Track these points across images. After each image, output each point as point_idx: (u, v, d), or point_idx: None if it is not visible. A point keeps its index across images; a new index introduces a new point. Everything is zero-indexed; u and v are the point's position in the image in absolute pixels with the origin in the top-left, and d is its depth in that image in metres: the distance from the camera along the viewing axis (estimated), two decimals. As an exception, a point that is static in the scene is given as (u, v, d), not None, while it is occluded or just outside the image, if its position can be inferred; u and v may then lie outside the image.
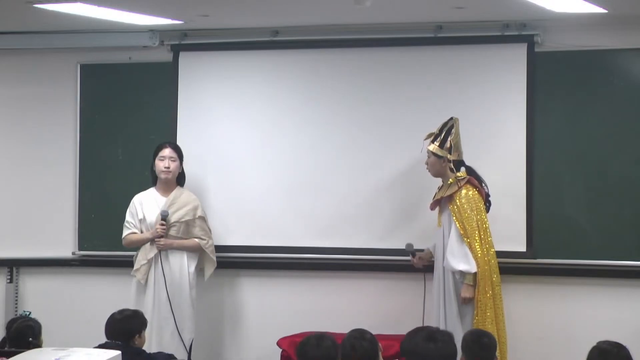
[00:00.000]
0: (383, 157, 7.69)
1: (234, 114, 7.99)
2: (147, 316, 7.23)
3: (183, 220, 7.49)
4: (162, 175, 7.50)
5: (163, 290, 7.38)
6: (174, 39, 8.11)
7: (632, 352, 5.16)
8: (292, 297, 7.94)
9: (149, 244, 7.45)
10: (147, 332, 7.22)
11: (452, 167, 6.96)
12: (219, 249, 7.90)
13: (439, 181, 7.16)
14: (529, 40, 7.44)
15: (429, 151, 7.01)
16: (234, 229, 7.96)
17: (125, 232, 7.51)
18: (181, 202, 7.52)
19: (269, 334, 7.65)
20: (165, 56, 8.15)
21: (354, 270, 7.81)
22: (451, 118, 7.02)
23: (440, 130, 7.00)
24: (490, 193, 7.06)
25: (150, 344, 7.13)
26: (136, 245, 7.50)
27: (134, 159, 8.16)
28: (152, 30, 8.09)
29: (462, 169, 7.03)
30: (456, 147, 6.98)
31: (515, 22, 7.43)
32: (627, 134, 7.31)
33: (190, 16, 7.45)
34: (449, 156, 6.95)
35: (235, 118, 7.99)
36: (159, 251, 7.40)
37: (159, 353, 6.27)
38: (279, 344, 7.40)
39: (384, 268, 7.74)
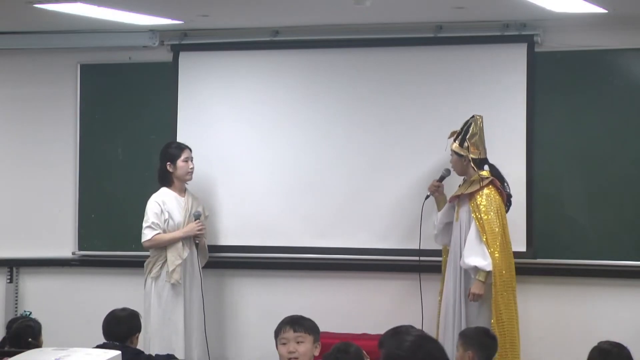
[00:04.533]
0: (383, 156, 7.69)
1: (234, 113, 7.99)
2: (180, 318, 7.32)
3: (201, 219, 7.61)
4: (188, 177, 7.52)
5: (190, 290, 7.45)
6: (174, 39, 8.11)
7: (633, 352, 5.17)
8: (292, 297, 7.93)
9: (180, 243, 7.43)
10: (174, 334, 7.32)
11: (473, 165, 6.96)
12: (219, 248, 7.92)
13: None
14: (529, 40, 7.44)
15: (451, 150, 7.04)
16: (234, 229, 7.96)
17: (152, 233, 7.40)
18: (197, 202, 7.60)
19: (269, 334, 7.62)
20: (165, 56, 8.15)
21: (354, 270, 7.81)
22: (472, 116, 7.02)
23: (462, 129, 7.01)
24: (512, 193, 7.07)
25: (175, 346, 7.27)
26: (164, 245, 7.42)
27: (134, 159, 8.16)
28: (152, 30, 8.09)
29: (486, 167, 7.02)
30: (476, 145, 6.98)
31: (515, 22, 7.43)
32: (627, 134, 7.31)
33: (190, 16, 7.45)
34: (469, 155, 6.95)
35: (235, 118, 7.99)
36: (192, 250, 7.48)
37: (158, 355, 6.27)
38: (279, 344, 7.40)
39: (384, 268, 7.74)
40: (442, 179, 7.27)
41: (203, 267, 7.71)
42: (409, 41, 7.69)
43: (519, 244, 7.35)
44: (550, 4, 6.68)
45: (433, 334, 6.98)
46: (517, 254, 7.35)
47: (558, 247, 7.41)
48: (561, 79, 7.43)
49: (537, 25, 7.41)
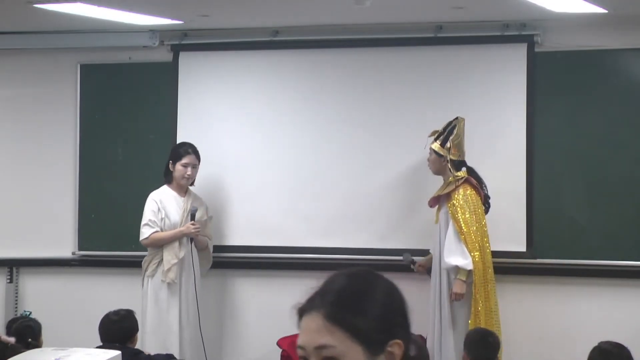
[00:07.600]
0: (383, 157, 7.69)
1: (233, 114, 7.99)
2: (175, 317, 7.31)
3: (203, 219, 7.56)
4: (182, 182, 7.49)
5: (187, 290, 7.44)
6: (174, 39, 8.11)
7: (633, 353, 5.17)
8: (292, 297, 7.74)
9: (177, 243, 7.42)
10: (169, 334, 7.32)
11: (451, 166, 6.97)
12: (220, 249, 7.92)
13: (439, 181, 7.17)
14: (529, 40, 7.44)
15: (431, 149, 7.04)
16: (234, 229, 7.96)
17: (149, 231, 7.40)
18: (199, 202, 7.58)
19: (269, 334, 7.65)
20: (165, 56, 8.15)
21: (355, 270, 7.80)
22: (456, 118, 7.02)
23: (444, 129, 7.02)
24: (490, 195, 7.07)
25: (170, 345, 7.26)
26: (162, 244, 7.41)
27: (134, 159, 8.16)
28: (152, 30, 8.09)
29: (464, 169, 7.03)
30: (457, 147, 6.99)
31: (515, 22, 7.43)
32: (627, 134, 7.31)
33: (190, 16, 7.45)
34: (448, 155, 6.96)
35: (235, 118, 7.99)
36: (191, 249, 7.46)
37: (157, 355, 6.27)
38: (279, 344, 7.40)
39: (385, 268, 7.72)
40: (412, 263, 7.32)
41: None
42: (409, 41, 7.69)
43: (519, 244, 7.35)
44: (550, 4, 6.68)
45: (433, 335, 7.00)
46: (517, 254, 7.37)
47: (558, 247, 7.41)
48: (561, 79, 7.43)
49: (537, 25, 7.42)
